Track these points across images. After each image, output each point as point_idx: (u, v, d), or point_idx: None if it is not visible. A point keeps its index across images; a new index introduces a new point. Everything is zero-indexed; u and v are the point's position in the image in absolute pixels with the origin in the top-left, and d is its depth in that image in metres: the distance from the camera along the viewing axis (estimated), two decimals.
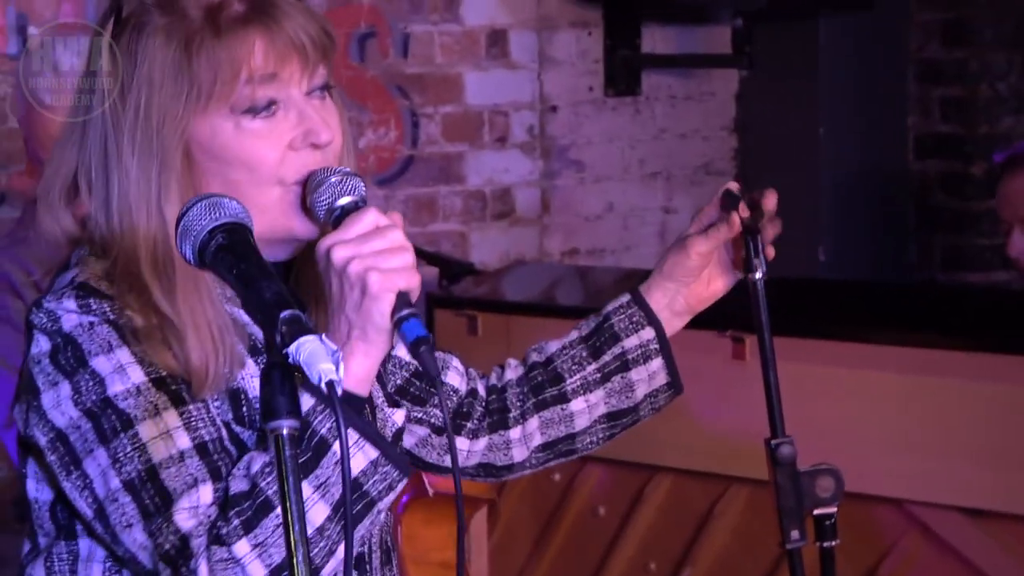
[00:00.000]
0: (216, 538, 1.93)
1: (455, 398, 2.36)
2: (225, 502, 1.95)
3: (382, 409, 2.21)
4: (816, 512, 2.43)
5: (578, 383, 2.38)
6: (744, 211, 2.31)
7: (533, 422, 2.38)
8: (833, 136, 5.80)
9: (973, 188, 5.89)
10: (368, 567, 2.21)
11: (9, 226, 3.81)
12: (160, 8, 2.05)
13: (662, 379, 2.40)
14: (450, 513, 3.67)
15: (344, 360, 1.86)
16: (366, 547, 2.20)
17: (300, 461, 1.90)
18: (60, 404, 2.00)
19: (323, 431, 1.94)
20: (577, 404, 2.38)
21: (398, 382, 2.32)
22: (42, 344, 2.02)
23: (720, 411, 3.66)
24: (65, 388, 2.00)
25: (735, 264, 2.35)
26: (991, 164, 5.69)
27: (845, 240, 5.79)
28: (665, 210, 5.57)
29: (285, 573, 1.87)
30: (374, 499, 1.98)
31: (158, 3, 2.05)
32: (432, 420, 2.34)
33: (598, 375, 2.37)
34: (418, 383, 2.33)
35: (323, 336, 1.71)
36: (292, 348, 1.69)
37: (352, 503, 1.95)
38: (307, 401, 1.93)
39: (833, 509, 2.43)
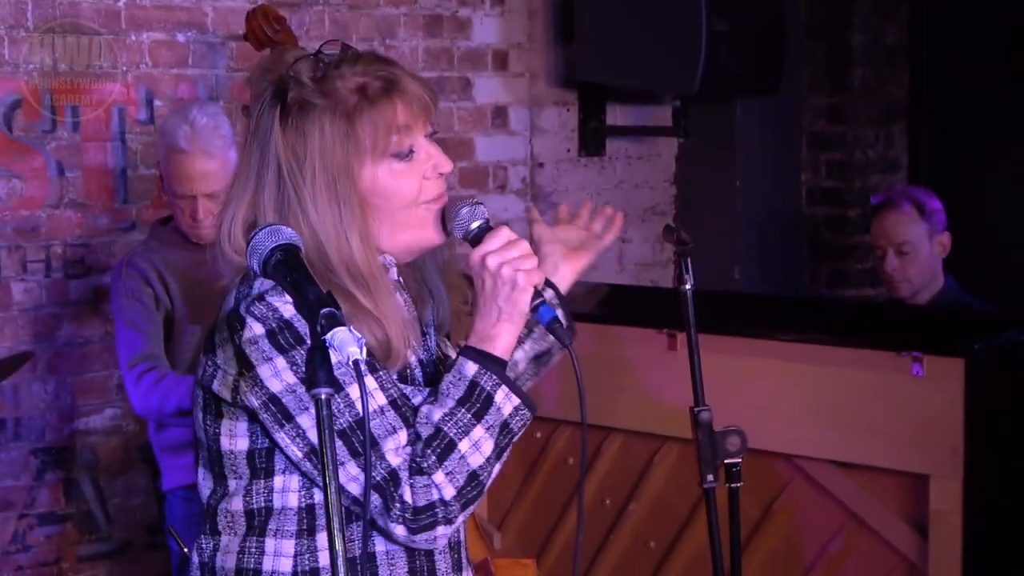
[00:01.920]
0: (417, 469, 1.94)
1: None
2: (416, 441, 1.96)
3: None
4: (726, 461, 2.42)
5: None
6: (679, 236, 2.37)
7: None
8: (747, 188, 5.77)
9: (850, 227, 5.87)
10: (462, 549, 2.16)
11: (139, 245, 3.84)
12: (320, 93, 2.03)
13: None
14: None
15: (494, 337, 2.00)
16: (461, 535, 2.16)
17: (473, 411, 1.97)
18: (278, 374, 1.96)
19: (488, 388, 1.98)
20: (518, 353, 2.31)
21: None
22: (255, 329, 1.97)
23: (658, 387, 3.63)
24: (280, 361, 1.95)
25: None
26: (865, 208, 5.66)
27: (755, 264, 5.76)
28: (622, 240, 5.53)
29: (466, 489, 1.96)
30: (515, 433, 2.02)
31: (318, 90, 2.03)
32: None
33: (526, 330, 2.31)
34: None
35: (351, 327, 1.67)
36: (328, 336, 1.66)
37: (502, 436, 2.00)
38: (472, 366, 1.99)
39: (739, 460, 2.41)
